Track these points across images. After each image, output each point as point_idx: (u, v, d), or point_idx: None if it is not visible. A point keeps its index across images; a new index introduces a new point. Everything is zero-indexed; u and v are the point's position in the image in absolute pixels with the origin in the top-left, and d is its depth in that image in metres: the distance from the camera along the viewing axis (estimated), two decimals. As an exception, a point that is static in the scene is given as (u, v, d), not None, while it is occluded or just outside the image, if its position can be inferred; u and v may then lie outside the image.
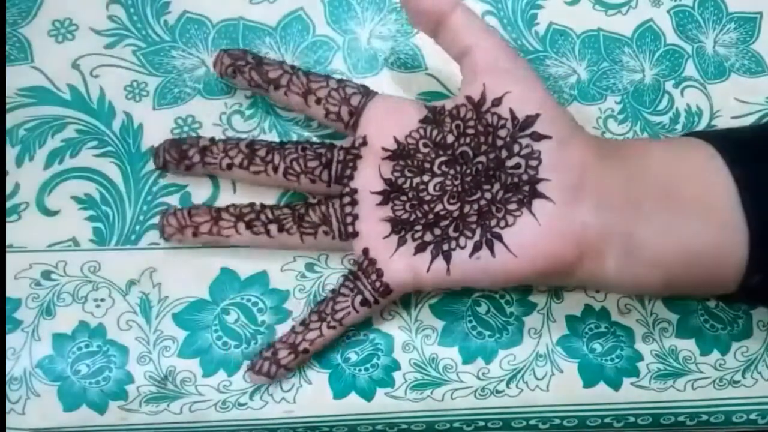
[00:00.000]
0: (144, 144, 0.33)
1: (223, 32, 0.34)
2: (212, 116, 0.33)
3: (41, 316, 0.31)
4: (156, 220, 0.32)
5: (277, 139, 0.33)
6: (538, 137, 0.28)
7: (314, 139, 0.33)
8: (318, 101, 0.30)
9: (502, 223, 0.28)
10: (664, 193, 0.28)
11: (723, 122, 0.34)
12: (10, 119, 0.32)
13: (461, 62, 0.29)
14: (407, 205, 0.29)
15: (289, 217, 0.30)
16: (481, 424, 0.32)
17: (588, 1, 0.35)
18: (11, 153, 0.32)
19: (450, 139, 0.29)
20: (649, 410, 0.32)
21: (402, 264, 0.29)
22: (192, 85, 0.33)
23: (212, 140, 0.31)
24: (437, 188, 0.29)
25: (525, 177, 0.28)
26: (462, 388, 0.32)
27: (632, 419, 0.32)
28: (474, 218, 0.28)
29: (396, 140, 0.30)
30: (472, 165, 0.29)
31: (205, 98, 0.33)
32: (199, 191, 0.33)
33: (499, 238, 0.28)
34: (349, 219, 0.30)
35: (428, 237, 0.29)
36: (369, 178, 0.30)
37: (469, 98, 0.29)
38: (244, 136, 0.33)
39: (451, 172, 0.29)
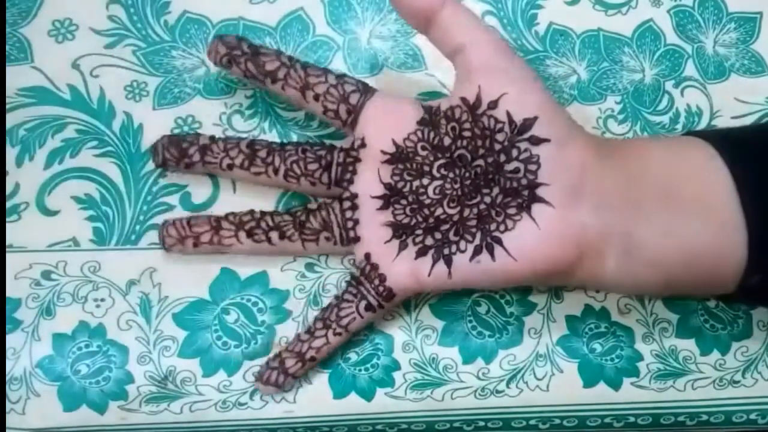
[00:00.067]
0: (144, 144, 0.33)
1: (223, 32, 0.34)
2: (212, 116, 0.33)
3: (41, 316, 0.31)
4: (156, 220, 0.32)
5: (277, 139, 0.33)
6: (536, 141, 0.27)
7: (314, 140, 0.33)
8: (316, 98, 0.30)
9: (502, 227, 0.28)
10: (663, 193, 0.27)
11: (723, 122, 0.34)
12: (10, 119, 0.32)
13: (454, 60, 0.29)
14: (407, 209, 0.29)
15: (290, 224, 0.30)
16: (481, 424, 0.32)
17: (588, 1, 0.35)
18: (11, 153, 0.32)
19: (447, 141, 0.29)
20: (649, 410, 0.32)
21: (404, 269, 0.29)
22: (192, 85, 0.33)
23: (212, 138, 0.31)
24: (437, 192, 0.29)
25: (524, 181, 0.27)
26: (462, 388, 0.32)
27: (632, 419, 0.32)
28: (474, 222, 0.28)
29: (394, 143, 0.29)
30: (471, 168, 0.29)
31: (205, 98, 0.33)
32: (199, 191, 0.32)
33: (499, 242, 0.28)
34: (350, 224, 0.30)
35: (429, 241, 0.29)
36: (369, 182, 0.30)
37: (464, 100, 0.28)
38: (244, 136, 0.33)
39: (450, 175, 0.29)
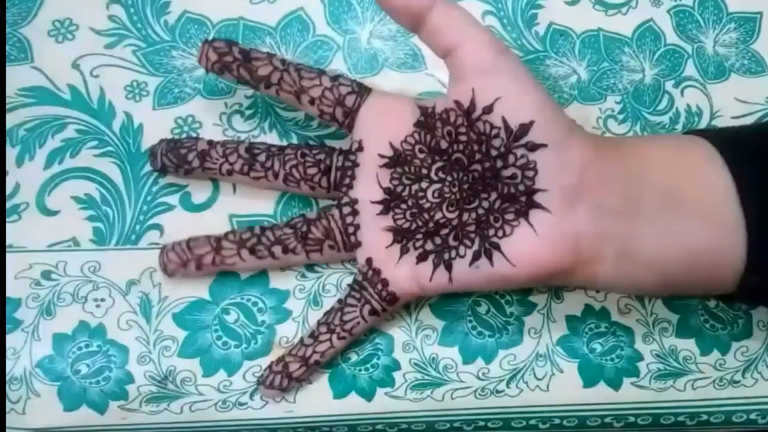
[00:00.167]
0: (144, 144, 0.33)
1: (223, 32, 0.34)
2: (212, 116, 0.33)
3: (41, 316, 0.31)
4: (156, 220, 0.32)
5: (277, 140, 0.33)
6: (533, 147, 0.27)
7: (314, 140, 0.33)
8: (311, 101, 0.30)
9: (500, 233, 0.28)
10: (663, 193, 0.27)
11: (723, 122, 0.34)
12: (10, 119, 0.32)
13: (447, 60, 0.28)
14: (407, 213, 0.29)
15: (292, 236, 0.30)
16: (481, 424, 0.32)
17: (588, 1, 0.35)
18: (11, 153, 0.32)
19: (444, 144, 0.29)
20: (649, 410, 0.32)
21: (406, 273, 0.29)
22: (192, 85, 0.33)
23: (210, 143, 0.31)
24: (436, 195, 0.29)
25: (521, 187, 0.27)
26: (462, 388, 0.32)
27: (632, 419, 0.32)
28: (473, 227, 0.28)
29: (392, 146, 0.29)
30: (468, 172, 0.28)
31: (205, 98, 0.33)
32: (199, 191, 0.33)
33: (498, 247, 0.28)
34: (350, 229, 0.30)
35: (429, 246, 0.29)
36: (368, 187, 0.30)
37: (458, 103, 0.28)
38: (244, 136, 0.33)
39: (449, 178, 0.29)
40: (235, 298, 0.32)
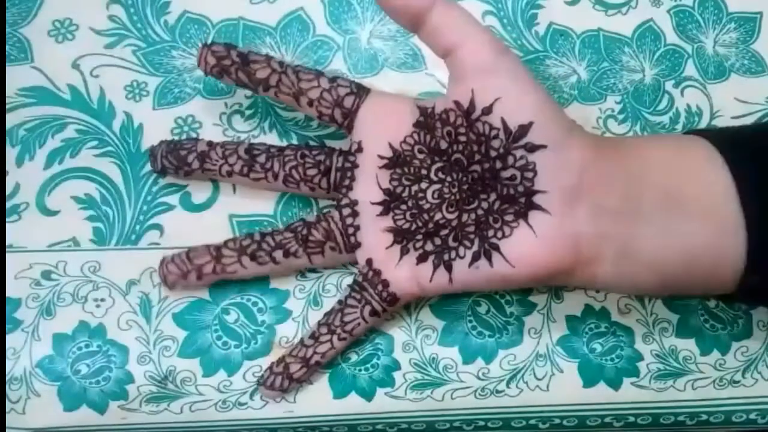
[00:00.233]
0: (144, 144, 0.33)
1: (223, 32, 0.34)
2: (212, 116, 0.33)
3: (41, 316, 0.31)
4: (156, 220, 0.32)
5: (277, 140, 0.33)
6: (532, 148, 0.27)
7: (314, 140, 0.33)
8: (310, 103, 0.30)
9: (500, 234, 0.28)
10: (663, 193, 0.27)
11: (723, 122, 0.34)
12: (10, 119, 0.32)
13: (446, 60, 0.28)
14: (407, 214, 0.29)
15: (292, 240, 0.30)
16: (481, 423, 0.32)
17: (588, 1, 0.35)
18: (11, 153, 0.32)
19: (443, 145, 0.29)
20: (649, 410, 0.32)
21: (406, 274, 0.29)
22: (192, 85, 0.33)
23: (210, 144, 0.31)
24: (435, 196, 0.29)
25: (521, 189, 0.27)
26: (462, 388, 0.32)
27: (632, 419, 0.32)
28: (472, 228, 0.28)
29: (391, 147, 0.29)
30: (468, 173, 0.28)
31: (205, 98, 0.33)
32: (199, 191, 0.33)
33: (497, 248, 0.28)
34: (350, 230, 0.30)
35: (429, 247, 0.29)
36: (368, 188, 0.30)
37: (457, 104, 0.28)
38: (244, 136, 0.33)
39: (448, 179, 0.29)
40: (235, 298, 0.32)
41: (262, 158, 0.30)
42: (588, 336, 0.32)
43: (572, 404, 0.32)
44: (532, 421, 0.32)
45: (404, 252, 0.29)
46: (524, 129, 0.27)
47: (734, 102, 0.34)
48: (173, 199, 0.32)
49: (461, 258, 0.28)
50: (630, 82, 0.34)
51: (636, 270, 0.28)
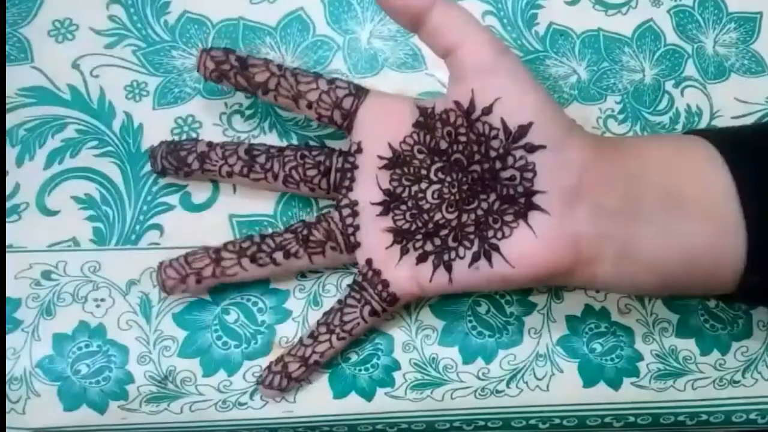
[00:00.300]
0: (144, 144, 0.33)
1: (223, 32, 0.34)
2: (212, 116, 0.33)
3: (41, 316, 0.31)
4: (156, 220, 0.32)
5: (277, 140, 0.33)
6: (532, 148, 0.27)
7: (314, 140, 0.33)
8: (309, 105, 0.30)
9: (499, 234, 0.28)
10: (663, 193, 0.27)
11: (723, 122, 0.34)
12: (10, 119, 0.32)
13: (446, 60, 0.28)
14: (407, 214, 0.29)
15: (293, 240, 0.30)
16: (481, 423, 0.32)
17: (588, 1, 0.35)
18: (11, 153, 0.32)
19: (443, 145, 0.29)
20: (649, 410, 0.32)
21: (406, 274, 0.29)
22: (192, 85, 0.33)
23: (210, 144, 0.31)
24: (435, 196, 0.29)
25: (520, 189, 0.27)
26: (462, 388, 0.32)
27: (632, 419, 0.32)
28: (472, 228, 0.28)
29: (391, 147, 0.29)
30: (467, 173, 0.28)
31: (205, 98, 0.33)
32: (199, 191, 0.33)
33: (497, 249, 0.28)
34: (350, 230, 0.30)
35: (429, 247, 0.29)
36: (368, 188, 0.30)
37: (457, 104, 0.28)
38: (244, 136, 0.33)
39: (448, 179, 0.29)
40: (235, 298, 0.32)
41: (261, 159, 0.30)
42: (588, 336, 0.32)
43: (572, 404, 0.32)
44: (532, 421, 0.32)
45: (404, 252, 0.29)
46: (524, 129, 0.27)
47: (734, 102, 0.34)
48: (173, 199, 0.32)
49: (461, 258, 0.28)
50: (630, 82, 0.34)
51: (636, 270, 0.28)
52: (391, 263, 0.29)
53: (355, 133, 0.30)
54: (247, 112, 0.33)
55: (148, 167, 0.32)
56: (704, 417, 0.32)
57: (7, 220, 0.32)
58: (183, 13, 0.34)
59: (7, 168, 0.32)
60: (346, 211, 0.30)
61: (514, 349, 0.32)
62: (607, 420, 0.32)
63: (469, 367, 0.32)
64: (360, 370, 0.32)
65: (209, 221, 0.32)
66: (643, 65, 0.34)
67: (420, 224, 0.29)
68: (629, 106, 0.34)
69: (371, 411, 0.31)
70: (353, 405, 0.31)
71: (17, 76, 0.33)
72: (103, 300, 0.31)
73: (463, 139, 0.28)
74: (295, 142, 0.33)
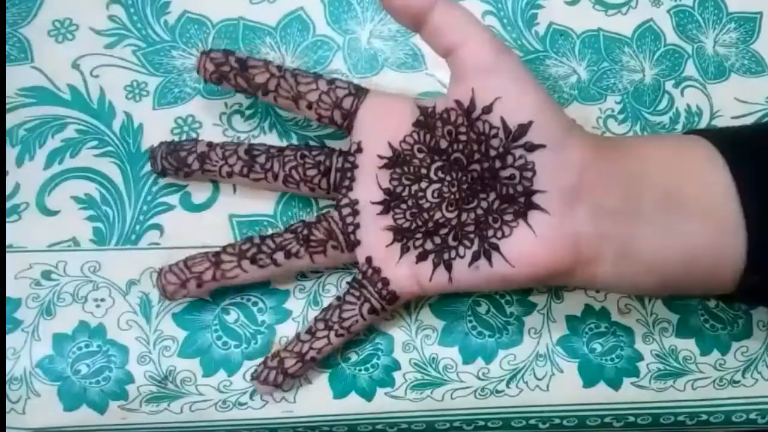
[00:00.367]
0: (144, 144, 0.33)
1: (223, 32, 0.34)
2: (212, 116, 0.33)
3: (41, 316, 0.31)
4: (156, 220, 0.32)
5: (277, 140, 0.33)
6: (531, 147, 0.27)
7: (314, 140, 0.33)
8: (309, 106, 0.30)
9: (499, 234, 0.28)
10: (663, 193, 0.27)
11: (723, 122, 0.34)
12: (10, 119, 0.32)
13: (448, 60, 0.29)
14: (407, 213, 0.29)
15: (293, 240, 0.30)
16: (481, 423, 0.32)
17: (588, 1, 0.35)
18: (11, 153, 0.32)
19: (443, 144, 0.29)
20: (649, 410, 0.32)
21: (406, 273, 0.29)
22: (192, 85, 0.33)
23: (210, 144, 0.31)
24: (435, 195, 0.29)
25: (520, 188, 0.27)
26: (462, 388, 0.32)
27: (632, 419, 0.32)
28: (472, 227, 0.28)
29: (391, 146, 0.29)
30: (467, 172, 0.29)
31: (205, 98, 0.33)
32: (199, 191, 0.33)
33: (497, 248, 0.28)
34: (350, 228, 0.30)
35: (429, 246, 0.29)
36: (368, 188, 0.30)
37: (458, 103, 0.28)
38: (244, 136, 0.33)
39: (448, 178, 0.29)
40: (235, 298, 0.32)
41: (261, 159, 0.30)
42: (588, 336, 0.32)
43: (572, 404, 0.32)
44: (532, 421, 0.32)
45: (404, 251, 0.29)
46: (524, 128, 0.27)
47: (734, 102, 0.34)
48: (173, 199, 0.32)
49: (461, 257, 0.28)
50: (630, 82, 0.34)
51: (636, 270, 0.28)
52: (391, 261, 0.29)
53: (355, 132, 0.30)
54: (247, 112, 0.33)
55: (148, 167, 0.32)
56: (704, 417, 0.32)
57: (7, 220, 0.32)
58: (183, 13, 0.34)
59: (7, 168, 0.32)
60: (346, 210, 0.30)
61: (514, 349, 0.32)
62: (607, 420, 0.32)
63: (469, 367, 0.32)
64: (360, 370, 0.32)
65: (209, 221, 0.32)
66: (643, 65, 0.34)
67: (420, 223, 0.29)
68: (629, 106, 0.34)
69: (371, 411, 0.31)
70: (353, 405, 0.31)
71: (17, 76, 0.33)
72: (103, 300, 0.31)
73: (463, 138, 0.28)
74: (295, 142, 0.33)
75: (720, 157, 0.28)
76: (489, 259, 0.28)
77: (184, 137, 0.33)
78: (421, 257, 0.29)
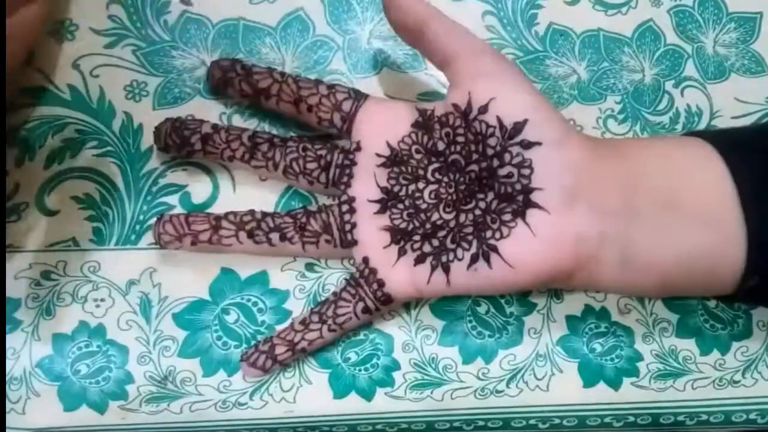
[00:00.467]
0: (144, 144, 0.33)
1: (223, 32, 0.34)
2: (212, 116, 0.33)
3: (41, 316, 0.31)
4: (155, 221, 0.32)
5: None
6: (528, 145, 0.27)
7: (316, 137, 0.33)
8: (309, 109, 0.30)
9: (498, 235, 0.28)
10: (662, 194, 0.27)
11: (723, 122, 0.34)
12: (10, 119, 0.32)
13: (445, 71, 0.29)
14: (405, 213, 0.29)
15: (291, 225, 0.30)
16: (481, 423, 0.32)
17: (588, 1, 0.35)
18: (11, 153, 0.32)
19: (441, 146, 0.29)
20: (649, 410, 0.32)
21: (403, 275, 0.29)
22: (192, 85, 0.33)
23: (214, 127, 0.31)
24: (432, 196, 0.29)
25: (518, 186, 0.28)
26: (462, 388, 0.32)
27: (632, 419, 0.32)
28: (470, 229, 0.28)
29: (389, 146, 0.29)
30: (465, 173, 0.29)
31: (205, 98, 0.33)
32: (199, 191, 0.33)
33: (495, 250, 0.28)
34: (347, 227, 0.30)
35: (427, 248, 0.29)
36: (366, 185, 0.30)
37: (455, 106, 0.28)
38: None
39: (445, 179, 0.29)
40: (235, 298, 0.32)
41: (264, 147, 0.31)
42: (588, 336, 0.32)
43: (572, 404, 0.32)
44: (532, 421, 0.32)
45: (402, 253, 0.29)
46: (519, 126, 0.27)
47: (734, 102, 0.34)
48: (173, 199, 0.32)
49: (459, 260, 0.28)
50: (630, 82, 0.34)
51: (635, 271, 0.28)
52: (388, 263, 0.29)
53: (354, 133, 0.30)
54: (247, 112, 0.33)
55: (147, 167, 0.32)
56: (704, 417, 0.32)
57: (7, 220, 0.32)
58: (183, 13, 0.34)
59: (7, 168, 0.32)
60: (344, 207, 0.30)
61: (514, 349, 0.32)
62: (607, 420, 0.32)
63: (469, 367, 0.32)
64: (360, 370, 0.32)
65: (209, 221, 0.32)
66: (643, 65, 0.34)
67: (417, 224, 0.29)
68: (629, 106, 0.34)
69: (371, 411, 0.31)
70: (353, 405, 0.31)
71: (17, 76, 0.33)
72: (102, 300, 0.31)
73: (460, 139, 0.28)
74: (295, 142, 0.33)
75: (719, 158, 0.28)
76: (488, 260, 0.28)
77: (189, 118, 0.33)
78: (419, 260, 0.29)
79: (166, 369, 0.31)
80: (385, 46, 0.34)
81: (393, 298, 0.30)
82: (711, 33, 0.35)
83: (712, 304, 0.33)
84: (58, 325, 0.31)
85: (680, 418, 0.32)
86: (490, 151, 0.28)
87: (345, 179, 0.30)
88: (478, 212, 0.28)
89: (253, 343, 0.31)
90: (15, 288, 0.31)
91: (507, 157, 0.28)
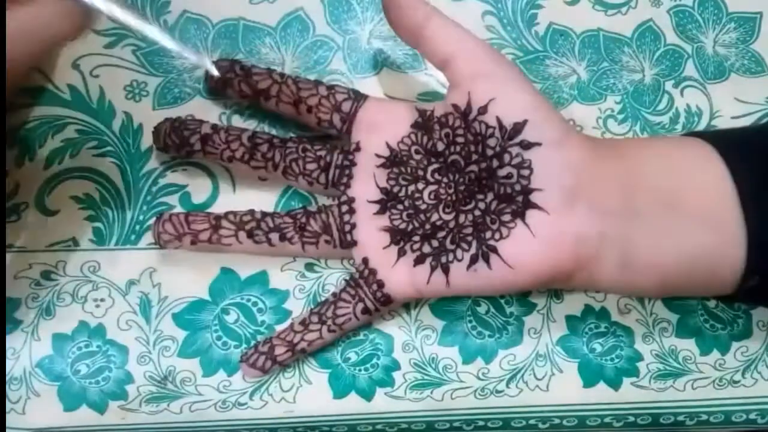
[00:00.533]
0: (144, 144, 0.33)
1: (223, 32, 0.34)
2: (212, 116, 0.33)
3: (41, 316, 0.31)
4: (155, 220, 0.32)
5: (277, 139, 0.33)
6: (527, 145, 0.27)
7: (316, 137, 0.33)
8: (309, 110, 0.30)
9: (497, 235, 0.28)
10: (661, 195, 0.27)
11: (723, 122, 0.34)
12: (10, 119, 0.32)
13: (444, 71, 0.29)
14: (404, 214, 0.29)
15: (291, 225, 0.30)
16: (481, 423, 0.32)
17: (588, 1, 0.35)
18: (11, 153, 0.32)
19: (441, 146, 0.29)
20: (649, 410, 0.32)
21: (402, 276, 0.29)
22: (192, 85, 0.33)
23: (214, 127, 0.31)
24: (432, 197, 0.29)
25: (518, 187, 0.27)
26: (462, 388, 0.32)
27: (632, 419, 0.32)
28: (470, 229, 0.28)
29: (389, 146, 0.29)
30: (464, 174, 0.29)
31: (205, 98, 0.33)
32: (199, 191, 0.32)
33: (495, 250, 0.28)
34: (347, 227, 0.30)
35: (426, 249, 0.29)
36: (365, 186, 0.30)
37: (455, 106, 0.28)
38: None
39: (444, 180, 0.29)
40: (235, 298, 0.32)
41: (264, 147, 0.31)
42: (588, 336, 0.32)
43: (572, 404, 0.32)
44: (532, 421, 0.32)
45: (401, 254, 0.29)
46: (519, 126, 0.27)
47: (734, 102, 0.34)
48: (173, 199, 0.32)
49: (459, 261, 0.28)
50: (630, 82, 0.34)
51: (635, 271, 0.28)
52: (388, 264, 0.29)
53: (354, 134, 0.30)
54: (247, 112, 0.33)
55: (147, 167, 0.32)
56: (704, 417, 0.32)
57: (7, 220, 0.32)
58: (183, 13, 0.34)
59: (7, 168, 0.32)
60: (343, 208, 0.30)
61: (514, 349, 0.32)
62: (607, 420, 0.32)
63: (469, 367, 0.32)
64: (360, 370, 0.32)
65: (209, 221, 0.32)
66: (643, 65, 0.34)
67: (417, 224, 0.29)
68: (629, 106, 0.34)
69: (371, 411, 0.31)
70: (353, 405, 0.31)
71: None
72: (102, 300, 0.31)
73: (460, 140, 0.28)
74: (295, 142, 0.33)
75: (719, 158, 0.28)
76: (487, 261, 0.28)
77: (188, 118, 0.32)
78: (419, 261, 0.29)
79: (166, 369, 0.31)
80: (385, 46, 0.34)
81: (393, 299, 0.30)
82: (711, 33, 0.35)
83: (712, 304, 0.33)
84: (58, 325, 0.31)
85: (680, 418, 0.32)
86: (489, 152, 0.28)
87: (344, 180, 0.30)
88: (477, 213, 0.28)
89: (252, 343, 0.31)
90: (15, 288, 0.31)
91: (506, 157, 0.28)
